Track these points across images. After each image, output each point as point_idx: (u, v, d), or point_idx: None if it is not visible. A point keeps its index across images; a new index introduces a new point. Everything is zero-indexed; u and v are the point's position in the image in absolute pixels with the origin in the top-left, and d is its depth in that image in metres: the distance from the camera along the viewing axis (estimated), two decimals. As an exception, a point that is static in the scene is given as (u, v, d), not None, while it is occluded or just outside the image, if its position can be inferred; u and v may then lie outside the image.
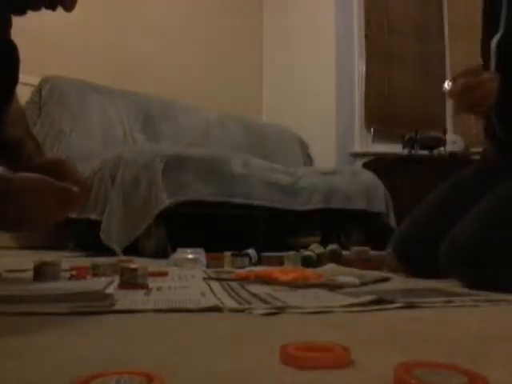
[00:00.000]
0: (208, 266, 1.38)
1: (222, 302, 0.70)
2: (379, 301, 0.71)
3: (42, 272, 0.91)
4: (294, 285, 0.91)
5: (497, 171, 1.13)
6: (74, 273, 1.02)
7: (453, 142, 3.36)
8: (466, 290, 0.89)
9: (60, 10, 0.75)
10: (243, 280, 0.99)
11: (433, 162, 3.16)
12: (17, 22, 0.73)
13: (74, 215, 2.37)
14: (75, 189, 0.74)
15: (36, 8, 0.73)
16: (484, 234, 0.94)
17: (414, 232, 1.19)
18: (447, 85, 1.02)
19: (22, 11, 0.72)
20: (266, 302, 0.71)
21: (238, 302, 0.70)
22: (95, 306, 0.64)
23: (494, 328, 0.58)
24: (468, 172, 1.25)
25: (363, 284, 0.94)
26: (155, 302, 0.70)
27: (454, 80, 1.01)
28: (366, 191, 2.73)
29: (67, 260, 1.48)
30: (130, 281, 0.87)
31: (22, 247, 2.70)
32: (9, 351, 0.43)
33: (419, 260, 1.13)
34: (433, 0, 3.87)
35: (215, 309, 0.66)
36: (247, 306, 0.68)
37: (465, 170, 1.26)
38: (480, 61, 1.17)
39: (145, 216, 2.04)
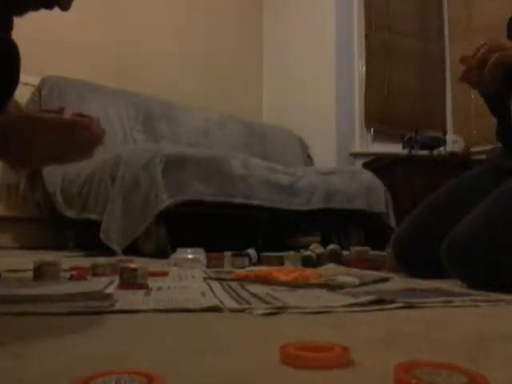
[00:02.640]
0: (208, 266, 1.38)
1: (221, 302, 0.70)
2: (379, 301, 0.71)
3: (42, 272, 0.91)
4: (294, 285, 0.91)
5: (499, 172, 1.13)
6: (73, 273, 1.02)
7: (453, 142, 3.36)
8: (466, 290, 0.89)
9: (57, 10, 0.75)
10: (243, 280, 0.99)
11: (433, 161, 3.16)
12: (17, 22, 0.73)
13: (73, 215, 2.37)
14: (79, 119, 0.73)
15: (35, 8, 0.73)
16: (484, 234, 0.94)
17: (414, 232, 1.19)
18: None
19: (22, 12, 0.72)
20: (266, 302, 0.71)
21: (238, 302, 0.70)
22: (95, 306, 0.64)
23: (494, 328, 0.58)
24: (469, 173, 1.25)
25: (363, 284, 0.94)
26: (155, 302, 0.70)
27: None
28: (366, 191, 2.73)
29: (67, 260, 1.48)
30: (130, 281, 0.87)
31: (22, 247, 2.71)
32: (9, 351, 0.43)
33: (419, 260, 1.13)
34: (433, 0, 3.87)
35: (215, 309, 0.66)
36: (247, 306, 0.67)
37: (467, 172, 1.26)
38: None
39: (145, 216, 2.04)
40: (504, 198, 0.98)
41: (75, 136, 0.73)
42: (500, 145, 1.25)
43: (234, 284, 0.94)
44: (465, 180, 1.23)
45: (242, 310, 0.65)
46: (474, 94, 3.31)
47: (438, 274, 1.05)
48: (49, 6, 0.74)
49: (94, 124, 0.77)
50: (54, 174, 2.48)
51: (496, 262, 0.91)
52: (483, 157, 2.99)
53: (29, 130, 0.69)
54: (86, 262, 1.30)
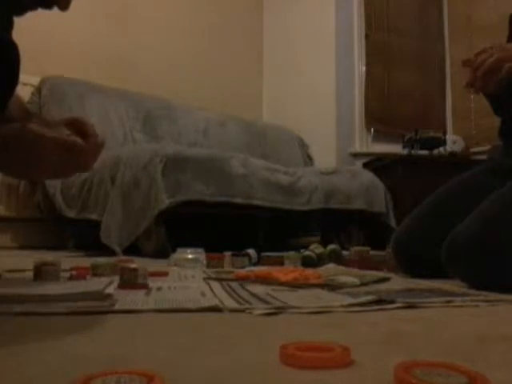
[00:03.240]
0: (208, 266, 1.38)
1: (222, 302, 0.70)
2: (379, 301, 0.71)
3: (42, 272, 0.91)
4: (293, 285, 0.91)
5: (500, 172, 1.13)
6: (74, 273, 1.02)
7: (453, 142, 3.36)
8: (465, 290, 0.89)
9: (56, 10, 0.75)
10: (243, 280, 0.99)
11: (433, 162, 3.16)
12: (17, 22, 0.73)
13: (73, 215, 2.38)
14: (78, 140, 0.73)
15: (33, 8, 0.73)
16: (485, 234, 0.93)
17: (414, 232, 1.19)
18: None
19: (21, 12, 0.72)
20: (266, 302, 0.71)
21: (238, 302, 0.71)
22: (95, 306, 0.64)
23: (494, 328, 0.58)
24: (469, 173, 1.25)
25: (363, 284, 0.94)
26: (155, 302, 0.70)
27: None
28: (366, 191, 2.73)
29: (67, 260, 1.48)
30: (130, 281, 0.87)
31: (22, 247, 2.71)
32: (8, 351, 0.43)
33: (419, 260, 1.13)
34: (433, 0, 3.87)
35: (215, 309, 0.66)
36: (247, 305, 0.68)
37: (467, 171, 1.26)
38: None
39: (145, 216, 2.04)
40: (505, 199, 0.98)
41: (74, 155, 0.73)
42: (501, 143, 1.25)
43: (234, 284, 0.94)
44: (465, 179, 1.23)
45: (242, 310, 0.65)
46: (474, 95, 3.30)
47: (437, 273, 1.05)
48: (47, 6, 0.74)
49: (93, 139, 0.77)
50: (54, 174, 2.48)
51: (496, 262, 0.91)
52: (483, 157, 2.98)
53: (29, 147, 0.69)
54: (86, 261, 1.30)
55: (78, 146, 0.72)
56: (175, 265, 1.41)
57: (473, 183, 1.19)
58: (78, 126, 0.79)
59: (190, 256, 1.41)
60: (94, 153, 0.77)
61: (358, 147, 3.56)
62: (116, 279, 0.91)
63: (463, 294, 0.82)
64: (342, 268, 1.35)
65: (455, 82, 3.73)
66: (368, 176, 2.84)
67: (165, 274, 1.13)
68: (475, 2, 3.60)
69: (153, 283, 0.92)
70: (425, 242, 1.13)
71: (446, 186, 1.24)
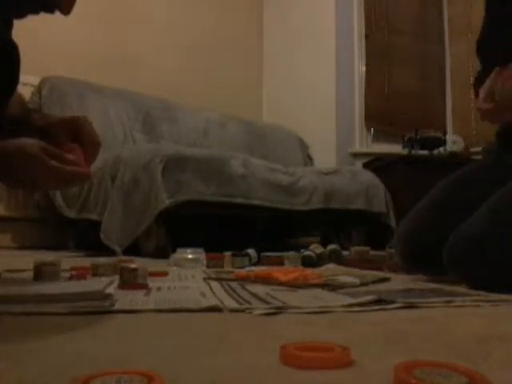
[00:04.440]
0: (208, 266, 1.38)
1: (222, 302, 0.70)
2: (379, 301, 0.71)
3: (42, 272, 0.91)
4: (293, 285, 0.91)
5: (502, 168, 1.13)
6: (74, 273, 1.02)
7: (453, 142, 3.36)
8: (466, 290, 0.89)
9: (58, 13, 0.75)
10: (243, 280, 0.99)
11: (433, 162, 3.16)
12: (17, 22, 0.73)
13: (73, 215, 2.38)
14: (70, 156, 0.72)
15: (34, 12, 0.73)
16: (487, 234, 0.93)
17: (416, 230, 1.18)
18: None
19: (21, 15, 0.72)
20: (266, 302, 0.71)
21: (238, 302, 0.70)
22: (95, 306, 0.64)
23: (494, 328, 0.58)
24: (475, 168, 1.23)
25: (363, 284, 0.94)
26: (155, 302, 0.70)
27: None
28: (366, 191, 2.73)
29: (67, 260, 1.48)
30: (130, 281, 0.87)
31: (22, 247, 2.71)
32: (8, 351, 0.43)
33: (421, 258, 1.13)
34: (433, 0, 3.87)
35: (215, 309, 0.66)
36: (247, 305, 0.68)
37: (472, 165, 1.25)
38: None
39: (145, 216, 2.04)
40: (507, 199, 0.97)
41: (74, 179, 0.73)
42: (497, 146, 1.24)
43: (234, 284, 0.94)
44: (468, 174, 1.21)
45: (242, 310, 0.65)
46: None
47: (438, 273, 1.05)
48: (49, 10, 0.74)
49: (92, 143, 0.77)
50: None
51: (498, 261, 0.91)
52: (483, 157, 2.99)
53: (28, 167, 0.69)
54: (86, 261, 1.30)
55: (77, 174, 0.72)
56: (175, 265, 1.41)
57: (474, 178, 1.18)
58: (77, 127, 0.79)
59: (190, 256, 1.41)
60: (91, 161, 0.77)
61: (358, 147, 3.56)
62: (116, 279, 0.91)
63: (464, 294, 0.82)
64: (341, 268, 1.35)
65: (455, 82, 3.73)
66: (368, 176, 2.84)
67: (165, 274, 1.13)
68: (475, 2, 3.59)
69: (153, 283, 0.92)
70: (427, 241, 1.12)
71: (447, 181, 1.22)
